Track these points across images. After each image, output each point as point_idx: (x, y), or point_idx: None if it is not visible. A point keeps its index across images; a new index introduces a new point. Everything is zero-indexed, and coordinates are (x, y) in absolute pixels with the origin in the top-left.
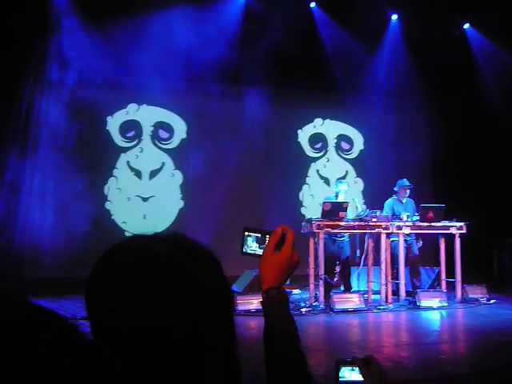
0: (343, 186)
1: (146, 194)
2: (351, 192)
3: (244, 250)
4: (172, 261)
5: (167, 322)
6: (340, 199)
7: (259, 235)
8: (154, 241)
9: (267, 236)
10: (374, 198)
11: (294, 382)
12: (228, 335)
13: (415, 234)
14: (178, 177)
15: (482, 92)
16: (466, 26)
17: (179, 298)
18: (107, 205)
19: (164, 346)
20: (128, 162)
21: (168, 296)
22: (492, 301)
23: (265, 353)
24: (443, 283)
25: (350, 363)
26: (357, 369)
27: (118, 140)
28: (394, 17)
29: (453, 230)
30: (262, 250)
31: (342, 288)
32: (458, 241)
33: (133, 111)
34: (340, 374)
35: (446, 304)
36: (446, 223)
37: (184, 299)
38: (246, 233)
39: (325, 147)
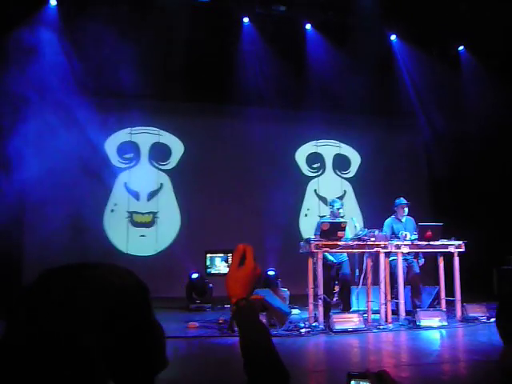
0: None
1: (144, 214)
2: (350, 211)
3: (208, 271)
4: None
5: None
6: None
7: (222, 255)
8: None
9: (229, 254)
10: (373, 217)
11: None
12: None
13: (414, 252)
14: (177, 197)
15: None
16: (461, 48)
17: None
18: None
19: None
20: (125, 184)
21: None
22: (492, 319)
23: (243, 360)
24: (443, 302)
25: (362, 377)
26: (366, 383)
27: (116, 161)
28: (393, 37)
29: (451, 249)
30: (226, 269)
31: (341, 308)
32: (456, 259)
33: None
34: None
35: (445, 323)
36: (445, 242)
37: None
38: (209, 255)
39: (322, 167)
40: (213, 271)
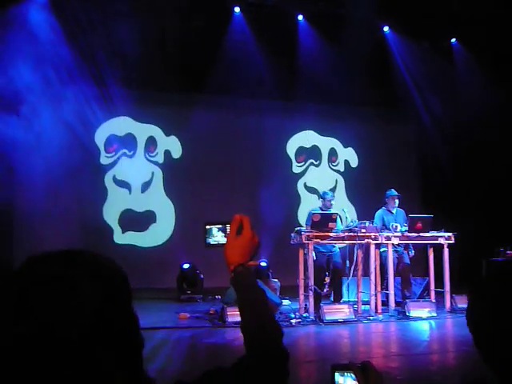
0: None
1: (139, 207)
2: (341, 203)
3: (208, 242)
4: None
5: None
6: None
7: (220, 226)
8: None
9: (227, 225)
10: (364, 208)
11: (267, 344)
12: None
13: (405, 244)
14: (170, 190)
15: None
16: (453, 40)
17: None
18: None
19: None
20: (114, 176)
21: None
22: None
23: (240, 321)
24: (432, 293)
25: (346, 368)
26: (350, 374)
27: (106, 153)
28: (386, 28)
29: (441, 241)
30: (224, 239)
31: (332, 299)
32: (446, 251)
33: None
34: (335, 380)
35: (435, 314)
36: (435, 233)
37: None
38: (208, 226)
39: (313, 158)
40: (212, 242)
